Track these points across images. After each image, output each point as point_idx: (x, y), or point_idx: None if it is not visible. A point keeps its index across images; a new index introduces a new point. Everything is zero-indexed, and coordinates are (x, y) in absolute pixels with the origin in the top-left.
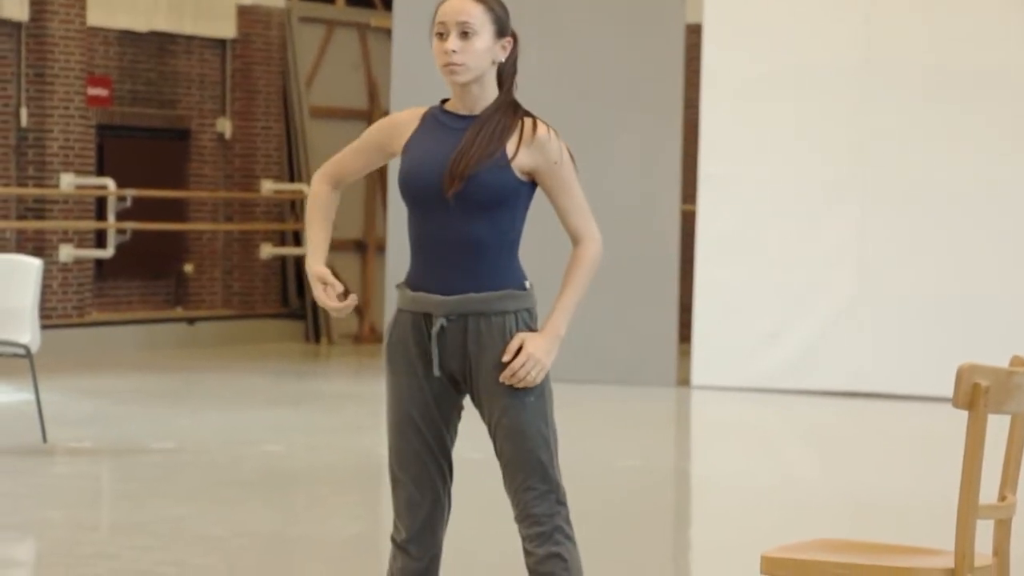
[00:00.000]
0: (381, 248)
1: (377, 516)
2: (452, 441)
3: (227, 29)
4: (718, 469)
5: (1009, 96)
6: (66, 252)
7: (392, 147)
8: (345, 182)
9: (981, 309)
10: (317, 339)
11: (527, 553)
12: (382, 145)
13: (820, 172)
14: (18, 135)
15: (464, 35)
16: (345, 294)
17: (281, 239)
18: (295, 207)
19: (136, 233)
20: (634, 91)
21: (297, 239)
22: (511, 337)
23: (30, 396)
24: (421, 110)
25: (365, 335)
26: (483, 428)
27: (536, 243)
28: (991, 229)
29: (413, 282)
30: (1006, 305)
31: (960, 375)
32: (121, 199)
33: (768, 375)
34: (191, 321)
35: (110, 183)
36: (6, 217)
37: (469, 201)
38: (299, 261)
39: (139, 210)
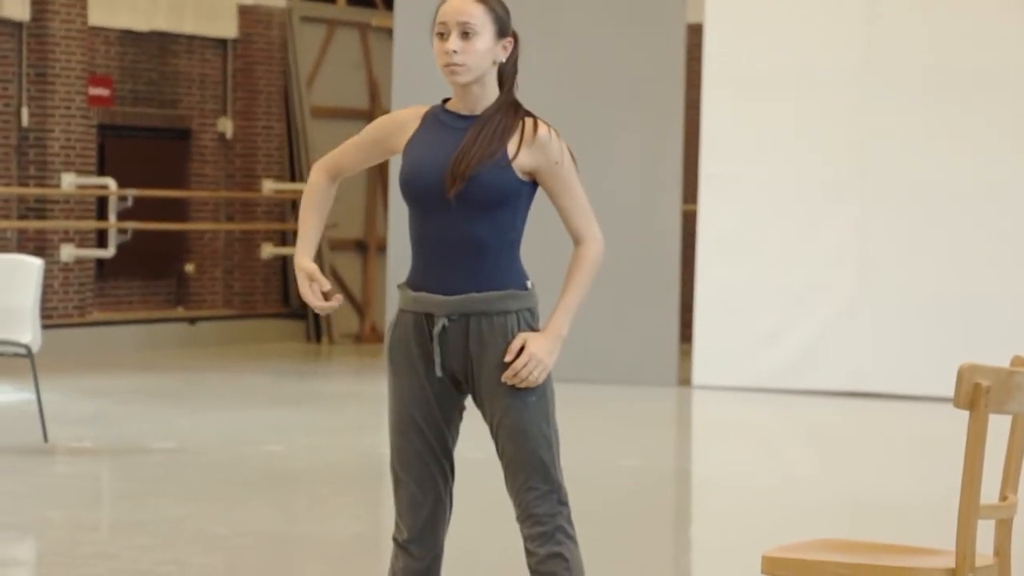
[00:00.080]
0: (382, 248)
1: (378, 516)
2: (454, 441)
3: (228, 29)
4: (718, 469)
5: (1009, 96)
6: (67, 252)
7: (392, 144)
8: (343, 175)
9: (981, 309)
10: (318, 339)
11: (529, 553)
12: (382, 142)
13: (820, 172)
14: (19, 135)
15: (465, 35)
16: (330, 294)
17: (282, 239)
18: (296, 207)
19: (137, 233)
20: (635, 91)
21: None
22: (513, 337)
23: (31, 396)
24: (423, 109)
25: (366, 335)
26: (484, 428)
27: (537, 243)
28: (991, 229)
29: (414, 282)
30: (1006, 305)
31: (961, 375)
32: (122, 199)
33: (768, 375)
34: (192, 321)
35: (111, 183)
36: (7, 217)
37: (470, 201)
38: None
39: (140, 210)
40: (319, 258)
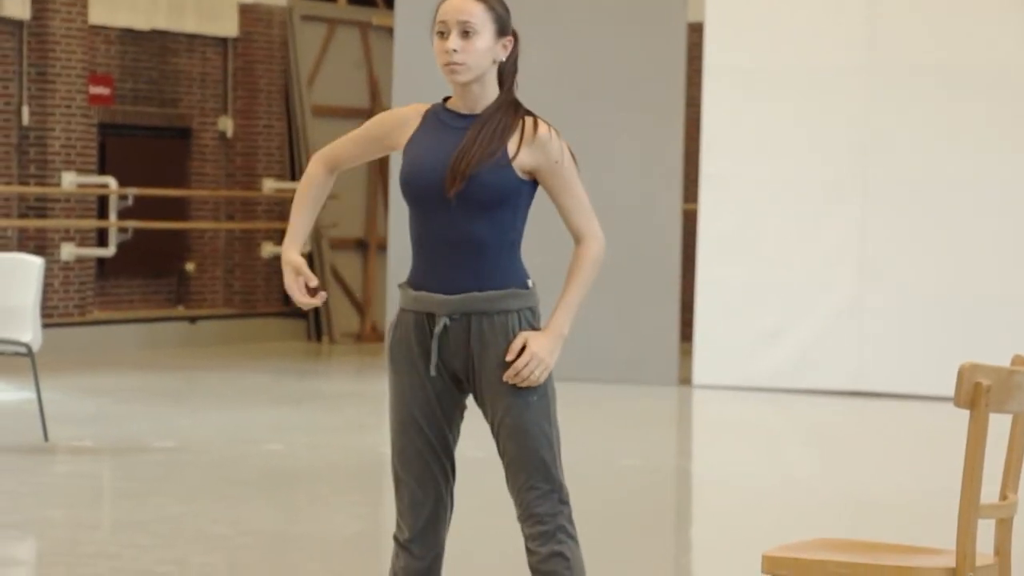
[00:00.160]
0: (383, 247)
1: (378, 515)
2: (455, 440)
3: (229, 28)
4: (719, 468)
5: (1010, 96)
6: (68, 251)
7: (392, 141)
8: (340, 168)
9: (981, 309)
10: (318, 338)
11: (530, 552)
12: (382, 138)
13: (820, 172)
14: (20, 134)
15: (465, 34)
16: (316, 290)
17: (283, 238)
18: None
19: (137, 232)
20: (635, 90)
21: None
22: (514, 336)
23: (31, 395)
24: (424, 106)
25: (366, 334)
26: (484, 427)
27: (537, 243)
28: (991, 229)
29: (415, 282)
30: (1006, 305)
31: (961, 374)
32: (123, 198)
33: (768, 374)
34: (192, 320)
35: (112, 182)
36: (8, 216)
37: (470, 201)
38: None
39: (140, 209)
40: (320, 257)
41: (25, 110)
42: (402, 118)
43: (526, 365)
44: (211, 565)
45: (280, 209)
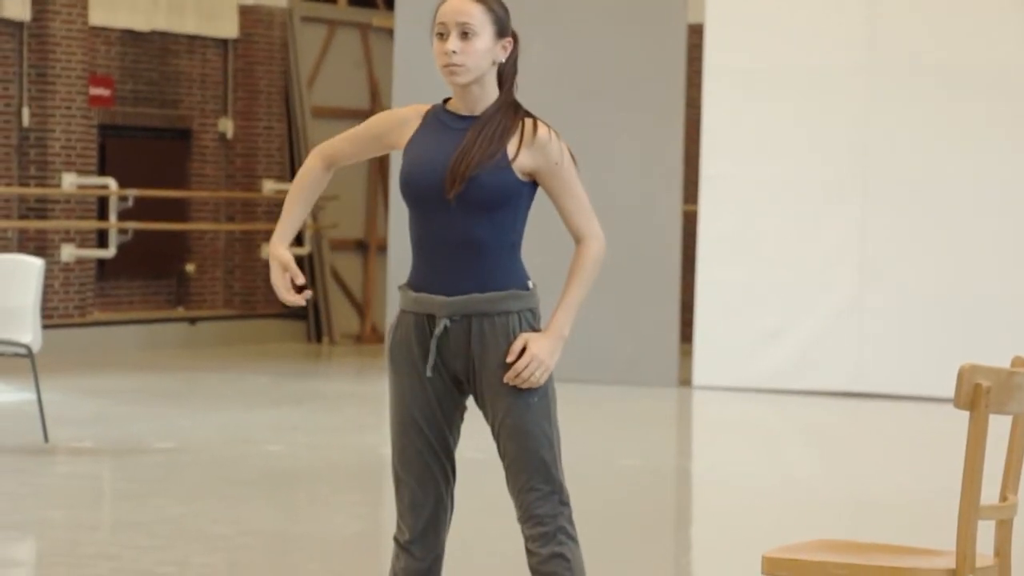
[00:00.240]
0: (383, 248)
1: (378, 515)
2: (455, 441)
3: (229, 29)
4: (719, 468)
5: (1010, 95)
6: (68, 252)
7: (391, 140)
8: (338, 164)
9: (981, 309)
10: (319, 339)
11: (530, 553)
12: (381, 137)
13: (821, 172)
14: (20, 135)
15: (464, 35)
16: (303, 288)
17: None
18: None
19: (138, 233)
20: (635, 91)
21: (299, 239)
22: (515, 337)
23: (31, 396)
24: (424, 107)
25: (366, 335)
26: (484, 428)
27: (537, 243)
28: (992, 229)
29: (415, 283)
30: (1006, 305)
31: (961, 375)
32: (123, 199)
33: (768, 375)
34: (192, 321)
35: (112, 183)
36: (8, 217)
37: (470, 202)
38: (300, 261)
39: (141, 210)
40: (320, 258)
41: (25, 111)
42: (402, 118)
43: (526, 366)
44: (211, 566)
45: (280, 210)
